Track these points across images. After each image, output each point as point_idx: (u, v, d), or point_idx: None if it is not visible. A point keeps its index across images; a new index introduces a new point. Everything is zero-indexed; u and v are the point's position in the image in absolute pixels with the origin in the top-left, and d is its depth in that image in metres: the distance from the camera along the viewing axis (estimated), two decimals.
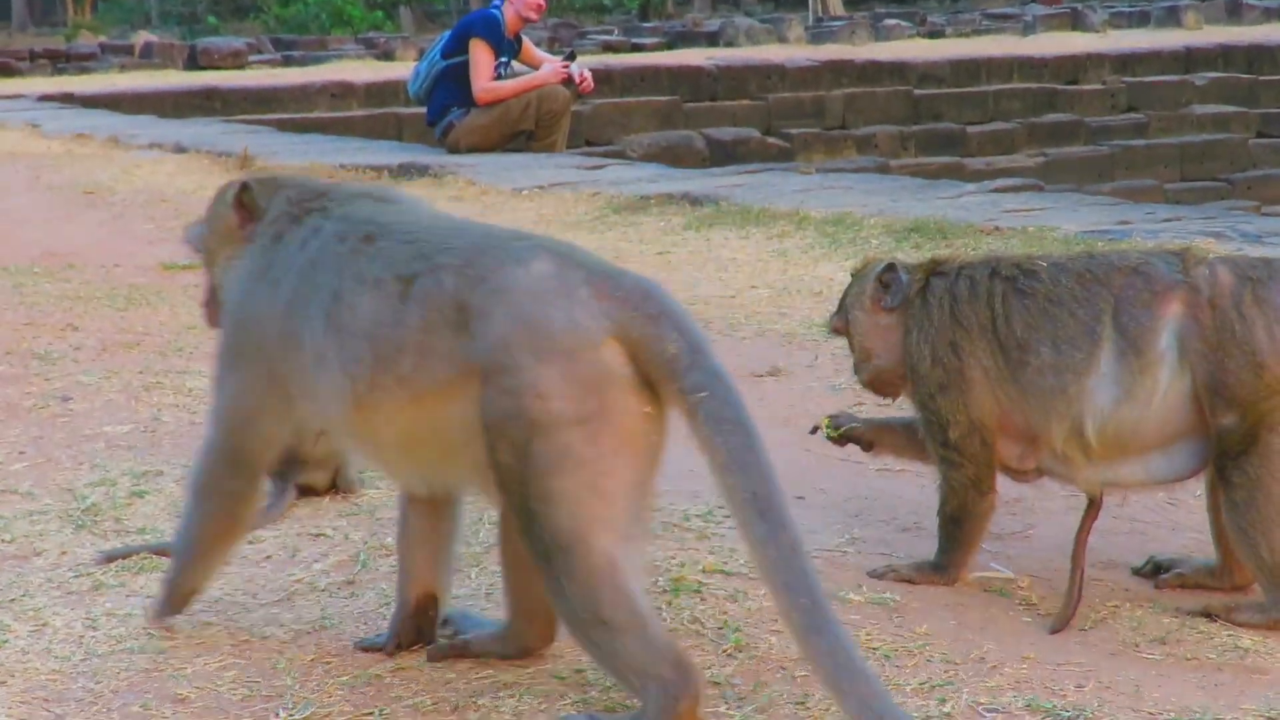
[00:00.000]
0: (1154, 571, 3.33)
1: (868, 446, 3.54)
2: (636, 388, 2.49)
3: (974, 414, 3.18)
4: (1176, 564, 3.33)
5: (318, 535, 3.51)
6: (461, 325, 2.52)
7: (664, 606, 3.02)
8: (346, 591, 3.19)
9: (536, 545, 2.51)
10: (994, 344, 3.17)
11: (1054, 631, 3.03)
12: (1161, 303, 3.05)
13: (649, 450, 2.53)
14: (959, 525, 3.25)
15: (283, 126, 15.18)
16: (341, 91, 17.25)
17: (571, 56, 11.92)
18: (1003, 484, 3.29)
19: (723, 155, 17.02)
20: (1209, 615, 3.09)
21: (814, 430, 3.58)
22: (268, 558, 3.37)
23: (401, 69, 16.95)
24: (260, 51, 23.42)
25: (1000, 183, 10.09)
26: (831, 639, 2.37)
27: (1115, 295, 3.09)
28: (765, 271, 6.74)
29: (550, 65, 11.65)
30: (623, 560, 2.50)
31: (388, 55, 22.64)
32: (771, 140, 18.20)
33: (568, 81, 11.58)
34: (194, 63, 21.24)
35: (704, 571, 3.20)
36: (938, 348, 3.22)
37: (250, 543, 3.42)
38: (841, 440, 3.53)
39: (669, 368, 2.48)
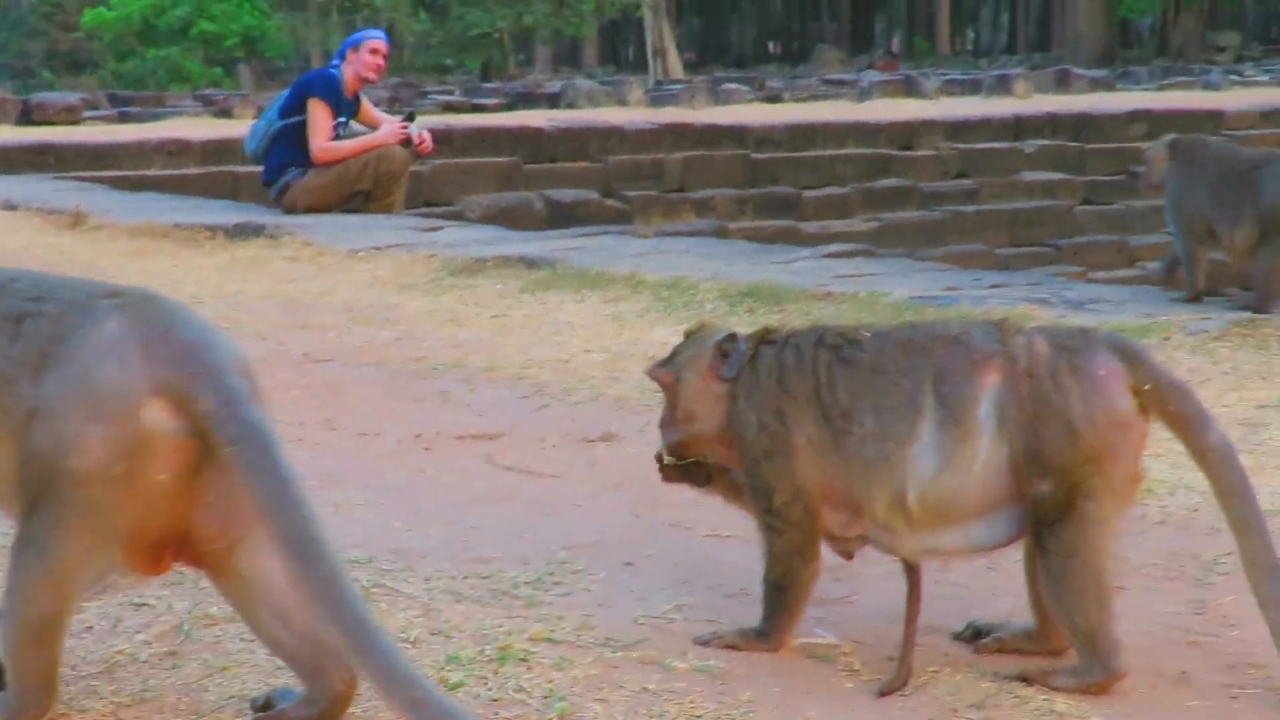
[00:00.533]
0: (974, 636, 3.40)
1: (705, 480, 3.52)
2: (181, 443, 2.69)
3: (798, 482, 3.23)
4: (995, 629, 3.39)
5: (140, 605, 3.47)
6: (39, 371, 2.74)
7: (490, 675, 3.02)
8: (169, 663, 3.15)
9: (21, 534, 2.75)
10: (818, 412, 3.22)
11: (882, 695, 3.07)
12: (980, 373, 3.11)
13: (178, 504, 2.74)
14: (783, 592, 3.29)
15: (117, 184, 14.98)
16: (178, 149, 17.05)
17: (410, 117, 11.93)
18: (827, 551, 3.34)
19: (561, 217, 17.08)
20: (1026, 680, 3.15)
21: (658, 457, 3.52)
22: (89, 629, 3.32)
23: (240, 127, 16.80)
24: (96, 107, 23.10)
25: (833, 248, 10.24)
26: (380, 655, 2.54)
27: (936, 365, 3.15)
28: (600, 335, 6.78)
29: (389, 125, 11.66)
30: (77, 592, 2.80)
31: (226, 113, 22.44)
32: (610, 202, 18.30)
33: (406, 142, 11.58)
34: (28, 118, 20.90)
35: (531, 640, 3.21)
36: (763, 415, 3.26)
37: None
38: (676, 476, 3.51)
39: (206, 422, 2.67)
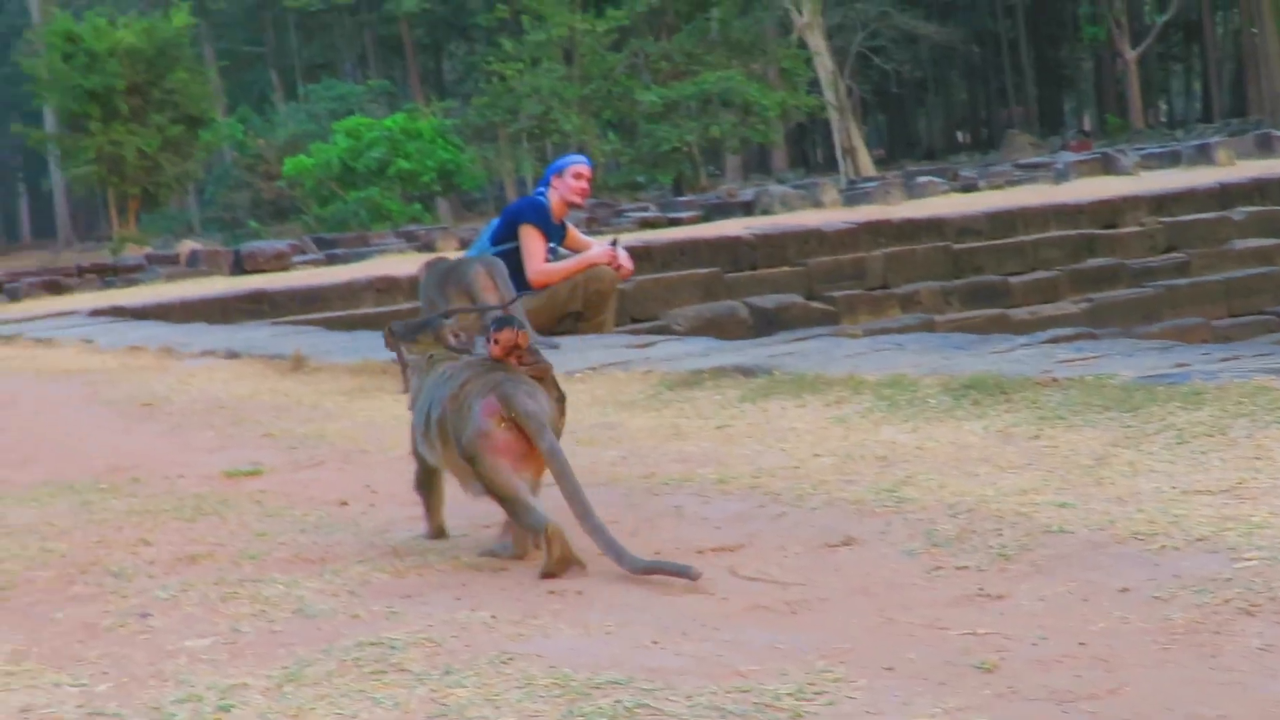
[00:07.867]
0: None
1: None
2: None
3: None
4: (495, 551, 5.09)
5: None
6: None
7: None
8: None
9: None
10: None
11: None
12: (448, 394, 4.99)
13: None
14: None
15: (331, 325, 15.34)
16: (386, 286, 17.44)
17: (614, 243, 12.09)
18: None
19: (766, 322, 17.10)
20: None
21: None
22: None
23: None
24: (304, 251, 23.68)
25: (1052, 333, 10.11)
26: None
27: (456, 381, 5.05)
28: (826, 439, 6.73)
29: (600, 245, 11.84)
30: None
31: (429, 246, 22.90)
32: (815, 304, 18.28)
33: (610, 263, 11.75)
34: (239, 267, 21.51)
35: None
36: None
37: None
38: None
39: None
